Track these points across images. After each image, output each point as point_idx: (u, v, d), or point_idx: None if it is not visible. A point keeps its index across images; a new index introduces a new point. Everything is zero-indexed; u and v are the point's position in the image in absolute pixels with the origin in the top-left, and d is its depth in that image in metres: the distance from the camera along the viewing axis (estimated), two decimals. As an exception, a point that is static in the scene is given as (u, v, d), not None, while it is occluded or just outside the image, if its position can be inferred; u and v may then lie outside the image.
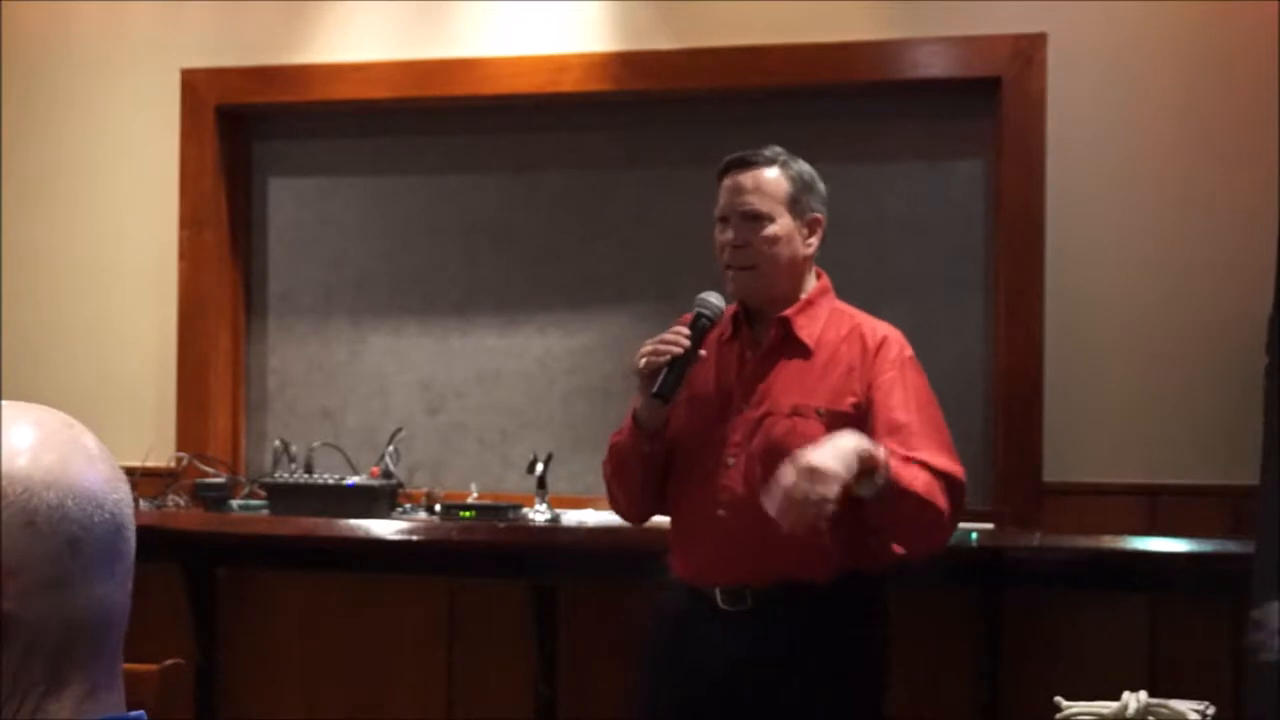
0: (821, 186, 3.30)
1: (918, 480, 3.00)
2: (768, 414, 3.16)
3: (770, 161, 3.24)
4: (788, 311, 3.20)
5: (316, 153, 4.93)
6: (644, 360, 3.10)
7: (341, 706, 4.40)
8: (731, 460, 3.15)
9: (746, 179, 3.22)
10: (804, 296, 3.25)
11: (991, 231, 4.33)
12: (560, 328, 4.67)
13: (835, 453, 2.89)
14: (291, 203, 4.95)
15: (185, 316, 4.80)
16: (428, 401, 4.77)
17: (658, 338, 3.12)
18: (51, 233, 4.91)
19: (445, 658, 4.34)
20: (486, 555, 4.16)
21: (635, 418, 3.19)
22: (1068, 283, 4.17)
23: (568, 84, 4.54)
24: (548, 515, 4.18)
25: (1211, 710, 3.10)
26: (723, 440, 3.17)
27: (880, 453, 2.94)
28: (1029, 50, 4.22)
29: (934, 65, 4.32)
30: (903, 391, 3.14)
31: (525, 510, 4.20)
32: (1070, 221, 4.17)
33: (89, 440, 1.33)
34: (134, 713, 1.32)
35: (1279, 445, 2.91)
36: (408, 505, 4.32)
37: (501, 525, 4.12)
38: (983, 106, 4.33)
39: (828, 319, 3.24)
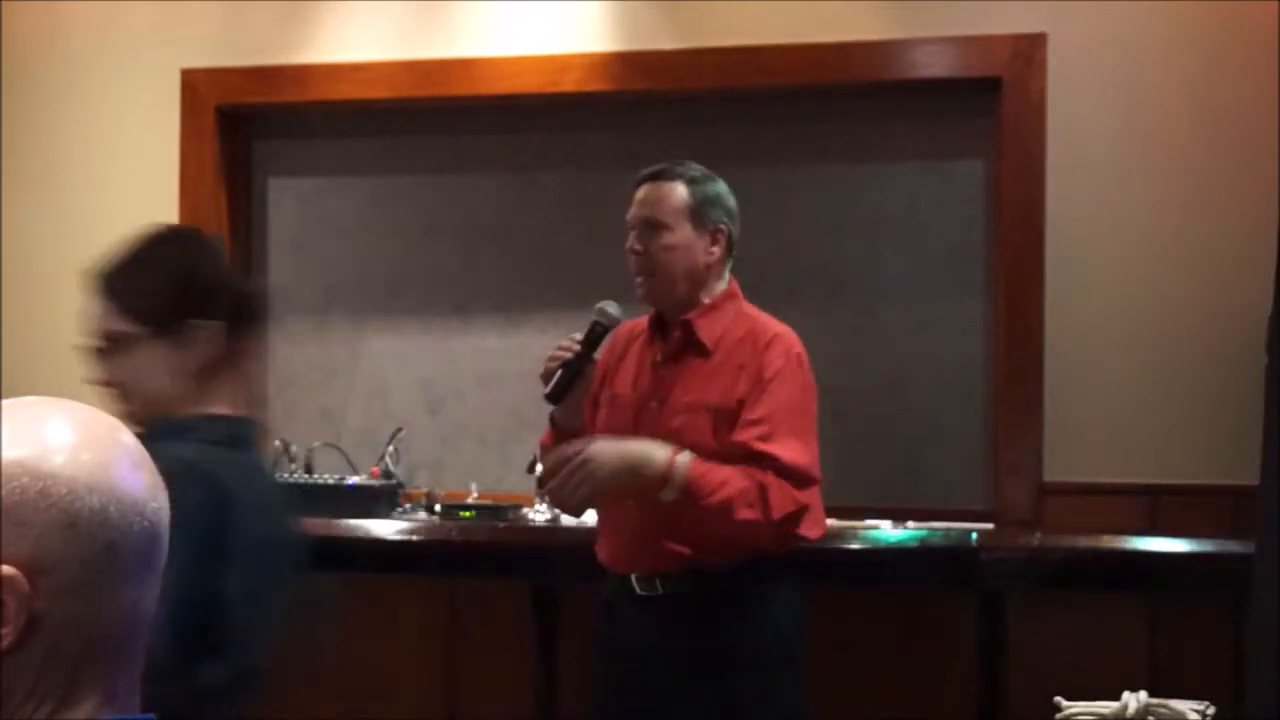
0: (731, 203, 3.43)
1: (724, 490, 3.12)
2: (667, 411, 3.30)
3: (677, 176, 3.39)
4: (690, 314, 3.33)
5: (317, 153, 4.94)
6: (547, 368, 3.32)
7: (341, 707, 4.41)
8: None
9: (651, 191, 3.38)
10: (708, 301, 3.36)
11: (991, 231, 4.34)
12: (561, 327, 4.62)
13: (618, 451, 3.15)
14: (291, 203, 4.96)
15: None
16: (428, 402, 4.78)
17: (555, 348, 3.34)
18: (51, 232, 4.91)
19: (445, 658, 4.34)
20: (486, 555, 4.16)
21: (551, 418, 3.42)
22: (1067, 283, 4.18)
23: (568, 84, 4.55)
24: (548, 515, 4.19)
25: (1211, 710, 3.12)
26: (632, 436, 3.27)
27: (678, 463, 3.10)
28: (1029, 50, 4.23)
29: (934, 65, 4.33)
30: (777, 386, 3.24)
31: (525, 510, 4.22)
32: (1070, 222, 4.18)
33: (130, 440, 1.34)
34: (145, 716, 1.33)
35: (1278, 445, 2.92)
36: (408, 505, 4.33)
37: (501, 525, 4.14)
38: (982, 106, 4.34)
39: (731, 322, 3.35)
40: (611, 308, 3.35)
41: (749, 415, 3.21)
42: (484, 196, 4.76)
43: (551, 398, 3.29)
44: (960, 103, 4.40)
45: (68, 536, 1.26)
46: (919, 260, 4.41)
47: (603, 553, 3.40)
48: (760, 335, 3.31)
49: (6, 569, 1.25)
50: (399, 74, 4.68)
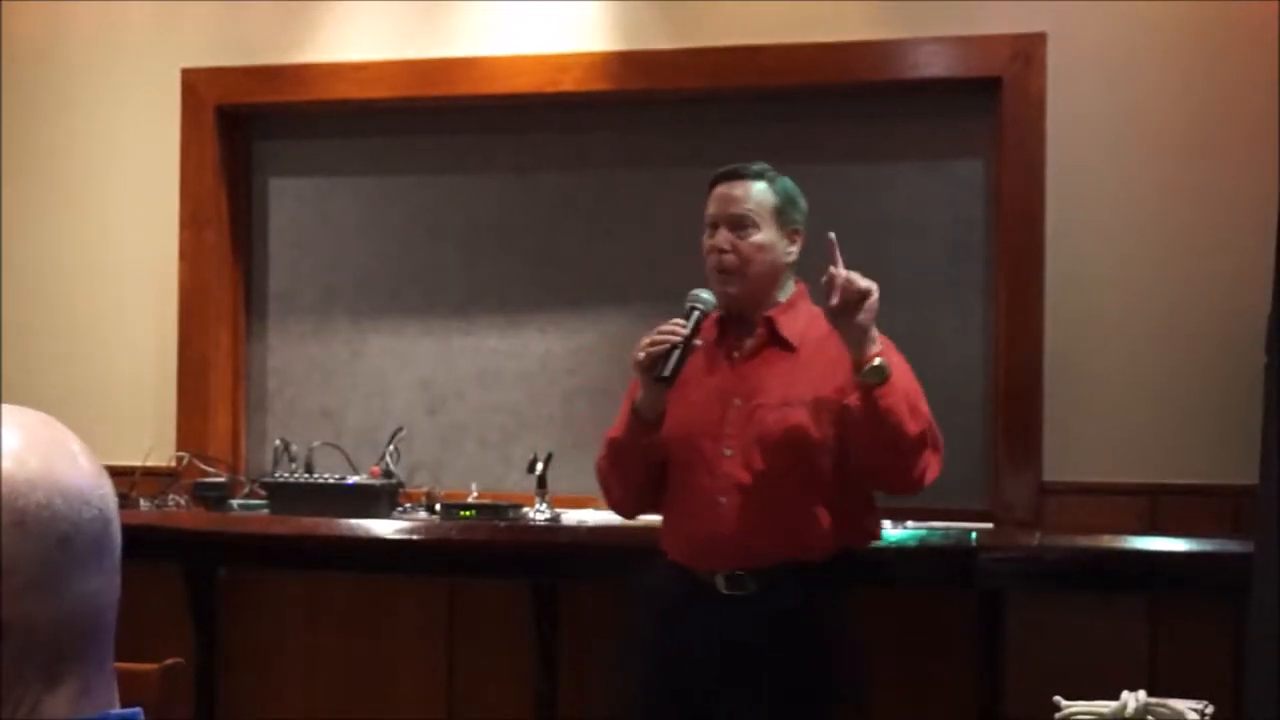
0: (803, 203, 3.51)
1: (919, 418, 3.19)
2: (759, 405, 3.33)
3: (759, 176, 3.46)
4: (772, 312, 3.41)
5: (317, 152, 4.94)
6: (644, 353, 3.28)
7: (341, 706, 4.41)
8: (729, 451, 3.32)
9: (737, 189, 3.44)
10: (784, 300, 3.44)
11: (991, 231, 4.34)
12: (561, 328, 4.67)
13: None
14: (292, 202, 4.96)
15: (185, 316, 4.81)
16: (428, 401, 4.78)
17: (654, 333, 3.31)
18: (51, 232, 4.92)
19: (445, 657, 4.35)
20: (486, 555, 4.17)
21: (635, 409, 3.35)
22: (1067, 283, 4.18)
23: (568, 83, 4.55)
24: (548, 515, 4.19)
25: (1210, 710, 3.11)
26: (718, 433, 3.33)
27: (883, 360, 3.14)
28: (1029, 50, 4.23)
29: (933, 65, 4.33)
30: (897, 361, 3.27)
31: (525, 510, 4.21)
32: (1070, 222, 4.18)
33: (72, 442, 1.33)
34: (129, 710, 1.32)
35: (1278, 445, 2.91)
36: (408, 505, 4.32)
37: (502, 525, 4.13)
38: (982, 106, 4.34)
39: (808, 319, 3.41)
40: (706, 293, 3.38)
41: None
42: (484, 196, 4.76)
43: (667, 380, 3.26)
44: (960, 102, 4.39)
45: (18, 535, 1.26)
46: (919, 260, 4.41)
47: (678, 551, 3.39)
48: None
49: (-42, 574, 1.25)
50: (399, 73, 4.68)
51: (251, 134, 4.95)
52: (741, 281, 3.39)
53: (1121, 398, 4.15)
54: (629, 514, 3.61)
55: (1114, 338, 4.16)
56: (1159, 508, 4.02)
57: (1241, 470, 3.50)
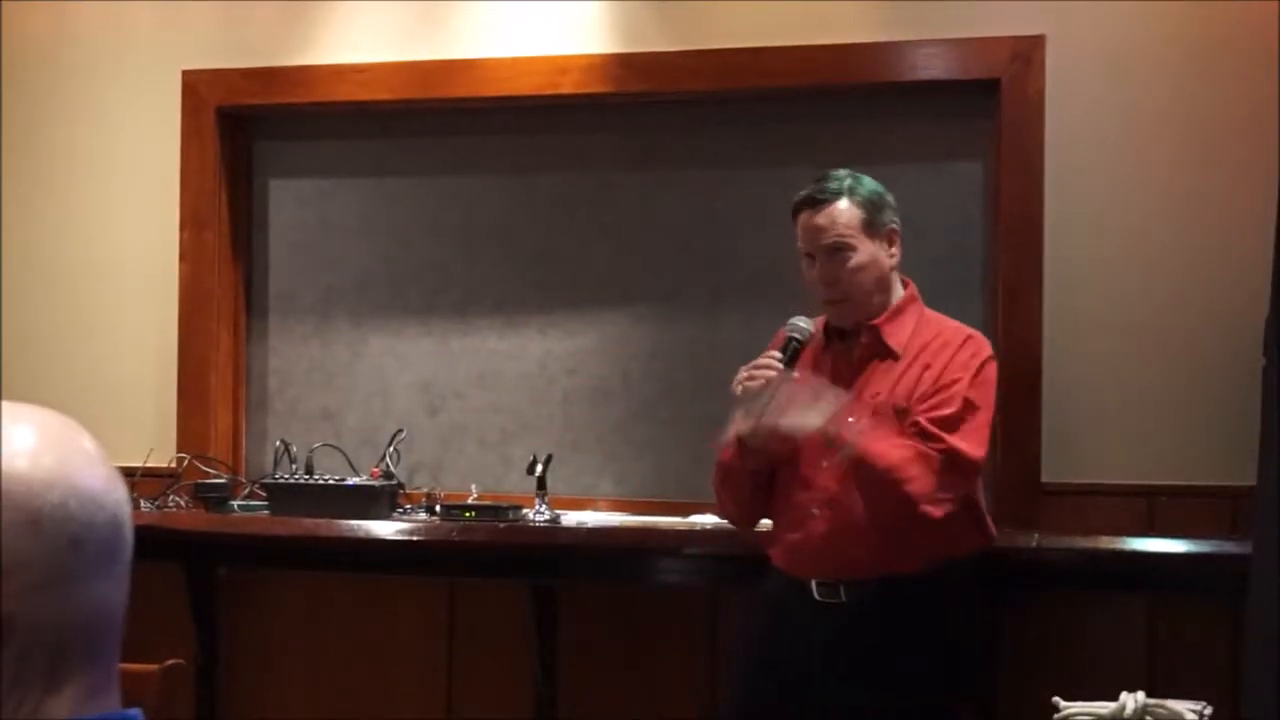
0: (890, 198, 3.49)
1: (889, 456, 3.21)
2: (855, 412, 3.32)
3: (838, 194, 3.41)
4: (877, 320, 3.41)
5: (317, 154, 4.95)
6: (741, 387, 3.30)
7: (342, 706, 4.41)
8: (825, 462, 3.34)
9: (821, 217, 3.40)
10: (893, 304, 3.45)
11: (991, 232, 4.34)
12: (560, 329, 4.67)
13: (814, 388, 3.28)
14: (292, 204, 4.96)
15: (186, 316, 4.82)
16: (428, 402, 4.78)
17: (752, 364, 3.33)
18: (52, 233, 4.92)
19: (445, 657, 4.35)
20: (486, 555, 4.17)
21: (740, 439, 3.35)
22: (1066, 284, 4.18)
23: (568, 85, 4.55)
24: (548, 516, 4.20)
25: (1209, 710, 3.11)
26: (816, 445, 3.32)
27: (856, 429, 3.21)
28: (1027, 52, 4.23)
29: (933, 67, 4.33)
30: (961, 380, 3.33)
31: (525, 511, 4.21)
32: (1069, 223, 4.18)
33: (87, 441, 1.33)
34: (130, 710, 1.32)
35: (1276, 446, 2.91)
36: (408, 506, 4.33)
37: (501, 526, 4.14)
38: (982, 108, 4.33)
39: (916, 326, 3.44)
40: (803, 322, 3.39)
41: (938, 405, 3.30)
42: (484, 197, 4.76)
43: (761, 416, 3.27)
44: (959, 104, 4.39)
45: (31, 534, 1.26)
46: (918, 261, 4.37)
47: (780, 558, 3.43)
48: (950, 334, 3.43)
49: (-30, 570, 1.25)
50: (399, 75, 4.68)
51: (252, 135, 4.95)
52: (851, 309, 3.41)
53: (1120, 399, 4.16)
54: (743, 526, 3.63)
55: (1112, 339, 4.16)
56: (1157, 509, 4.02)
57: (1239, 472, 3.50)
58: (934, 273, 4.41)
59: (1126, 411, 4.15)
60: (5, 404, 1.33)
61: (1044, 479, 4.17)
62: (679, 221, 4.58)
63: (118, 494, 1.33)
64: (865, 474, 3.21)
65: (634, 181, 4.65)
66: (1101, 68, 4.20)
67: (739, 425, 3.33)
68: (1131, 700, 3.14)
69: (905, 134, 4.44)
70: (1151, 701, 3.14)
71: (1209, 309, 4.04)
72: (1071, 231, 4.18)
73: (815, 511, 3.30)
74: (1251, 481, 3.26)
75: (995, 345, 4.23)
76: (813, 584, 3.32)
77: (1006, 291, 4.23)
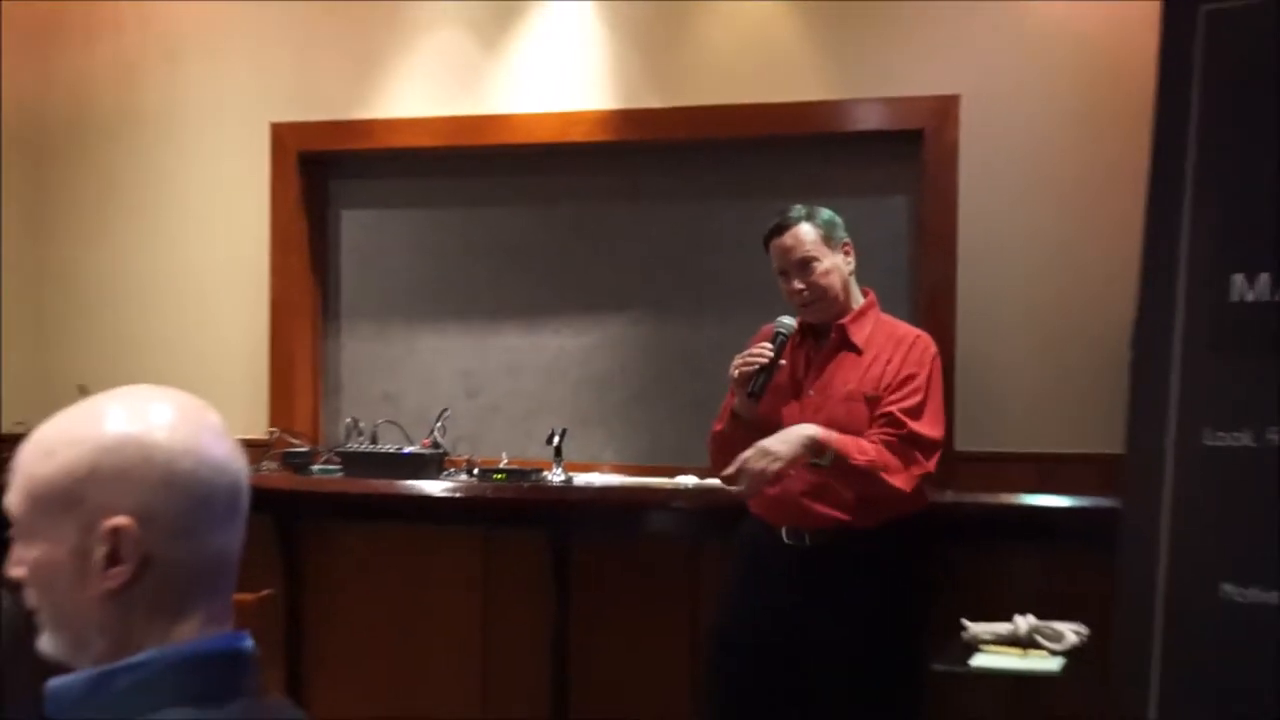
0: (839, 219, 3.50)
1: (865, 454, 3.18)
2: (828, 397, 3.34)
3: (799, 220, 3.42)
4: (844, 320, 3.41)
5: (378, 190, 4.95)
6: (737, 371, 3.28)
7: (396, 629, 4.42)
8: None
9: (789, 238, 3.40)
10: (856, 308, 3.44)
11: (915, 252, 4.35)
12: (571, 329, 4.68)
13: (783, 438, 3.16)
14: (359, 230, 4.97)
15: (276, 320, 4.83)
16: (467, 387, 4.79)
17: (746, 352, 3.31)
18: (169, 256, 4.94)
19: (480, 590, 4.35)
20: (514, 509, 4.19)
21: (733, 413, 3.36)
22: (975, 293, 4.19)
23: (577, 135, 4.56)
24: (562, 477, 4.22)
25: (1085, 630, 3.14)
26: (794, 417, 3.32)
27: (831, 437, 3.16)
28: (945, 108, 4.23)
29: (869, 120, 4.33)
30: (922, 376, 3.33)
31: (545, 473, 4.23)
32: (977, 245, 4.19)
33: (214, 418, 1.35)
34: (239, 632, 1.34)
35: (1139, 421, 2.94)
36: (451, 469, 4.34)
37: (526, 485, 4.16)
38: (908, 153, 4.33)
39: (874, 326, 3.43)
40: (789, 320, 3.38)
41: (896, 397, 3.29)
42: (510, 225, 4.77)
43: (754, 396, 3.27)
44: (890, 150, 4.38)
45: (167, 493, 1.28)
46: (860, 274, 4.37)
47: (756, 507, 3.40)
48: (902, 334, 3.42)
49: (121, 518, 1.27)
50: (442, 127, 4.68)
51: (327, 175, 4.96)
52: (824, 307, 3.40)
53: (1019, 384, 4.17)
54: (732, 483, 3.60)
55: (1013, 336, 4.17)
56: (1049, 472, 4.03)
57: (1113, 442, 3.49)
58: (872, 283, 4.41)
59: (1024, 393, 4.16)
60: (148, 387, 1.36)
61: (957, 447, 4.15)
62: (667, 244, 4.59)
63: (238, 463, 1.35)
64: (850, 472, 3.18)
65: (630, 212, 4.66)
66: (1005, 121, 4.20)
67: (732, 398, 3.35)
68: (1024, 622, 3.16)
69: (848, 174, 4.44)
70: (1040, 623, 3.16)
71: (1089, 313, 4.05)
72: (979, 251, 4.19)
73: (792, 473, 3.26)
74: (1122, 449, 3.27)
75: (919, 341, 4.28)
76: (783, 530, 3.31)
77: (927, 298, 4.24)
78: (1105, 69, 4.09)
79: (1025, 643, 3.11)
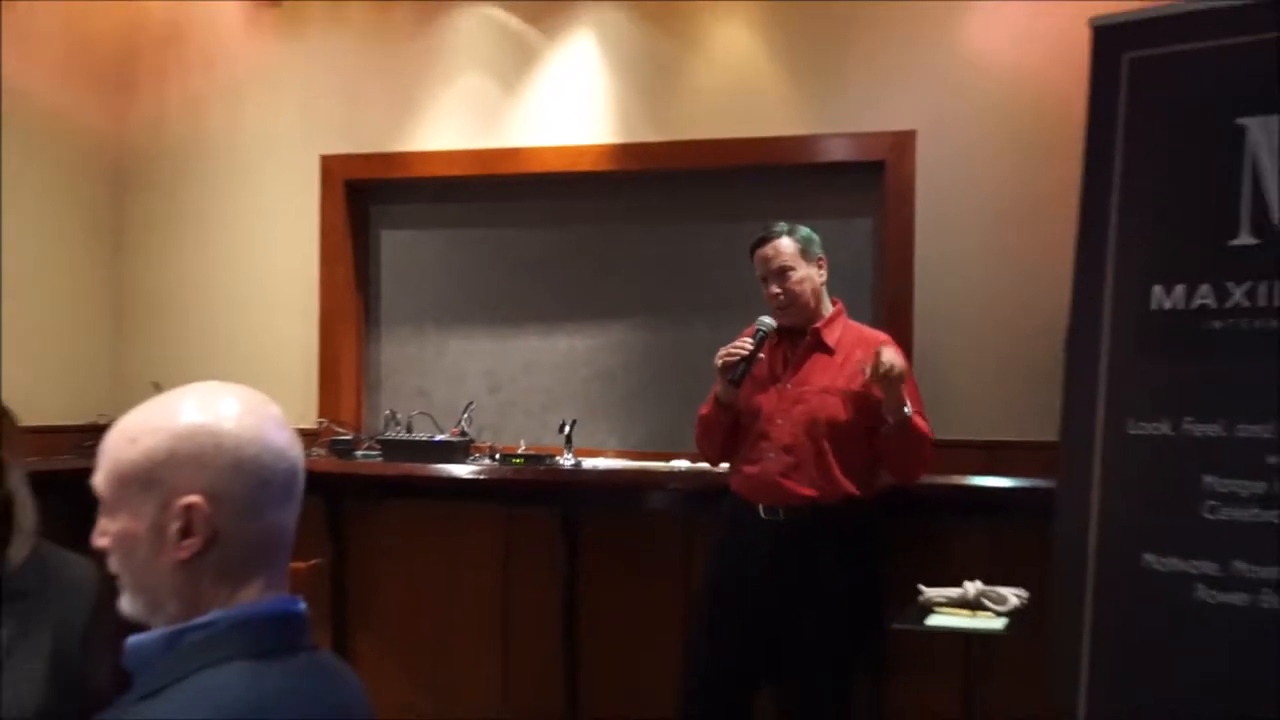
0: (816, 237, 3.51)
1: (924, 424, 3.27)
2: (804, 391, 3.35)
3: (781, 234, 3.45)
4: (818, 325, 3.42)
5: (413, 213, 4.95)
6: (721, 361, 3.31)
7: (429, 594, 4.43)
8: (779, 421, 3.34)
9: (770, 249, 3.43)
10: (828, 315, 3.45)
11: (878, 267, 4.35)
12: (580, 334, 4.68)
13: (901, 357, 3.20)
14: (395, 248, 4.97)
15: (324, 326, 4.83)
16: (490, 384, 4.79)
17: (729, 345, 3.34)
18: (231, 269, 4.94)
19: (502, 560, 4.35)
20: (531, 489, 4.19)
21: (717, 398, 3.37)
22: (930, 302, 4.19)
23: (585, 165, 4.56)
24: (572, 462, 4.22)
25: (1025, 594, 3.14)
26: (773, 409, 3.34)
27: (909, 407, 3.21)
28: (904, 142, 4.23)
29: (838, 152, 4.34)
30: (911, 387, 3.33)
31: (557, 458, 4.24)
32: (932, 261, 4.19)
33: (275, 410, 1.36)
34: (295, 597, 1.35)
35: (1072, 412, 2.94)
36: (477, 454, 4.34)
37: (541, 468, 4.16)
38: (871, 181, 4.33)
39: (844, 330, 3.45)
40: (769, 319, 3.39)
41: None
42: (526, 243, 4.77)
43: (735, 383, 3.29)
44: (856, 178, 4.38)
45: (234, 475, 1.29)
46: (830, 285, 4.39)
47: (737, 484, 3.40)
48: (871, 339, 3.41)
49: (193, 497, 1.27)
50: (469, 158, 4.68)
51: (369, 200, 4.96)
52: (796, 311, 3.41)
53: (968, 381, 4.16)
54: (714, 463, 3.58)
55: (963, 339, 4.17)
56: (994, 457, 4.03)
57: (1050, 430, 3.49)
58: (841, 293, 4.41)
59: (972, 389, 4.15)
60: (217, 383, 1.36)
61: (915, 436, 4.18)
62: (662, 259, 4.59)
63: (296, 450, 1.36)
64: (909, 431, 3.21)
65: (630, 231, 4.65)
66: (955, 154, 4.20)
67: (716, 388, 3.35)
68: (972, 587, 3.16)
69: (819, 199, 4.43)
70: (986, 588, 3.16)
71: (1029, 319, 4.05)
72: (934, 266, 4.19)
73: (771, 455, 3.27)
74: (1057, 437, 3.27)
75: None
76: (760, 507, 3.31)
77: (889, 307, 4.24)
78: (1043, 108, 4.09)
79: (973, 605, 3.11)
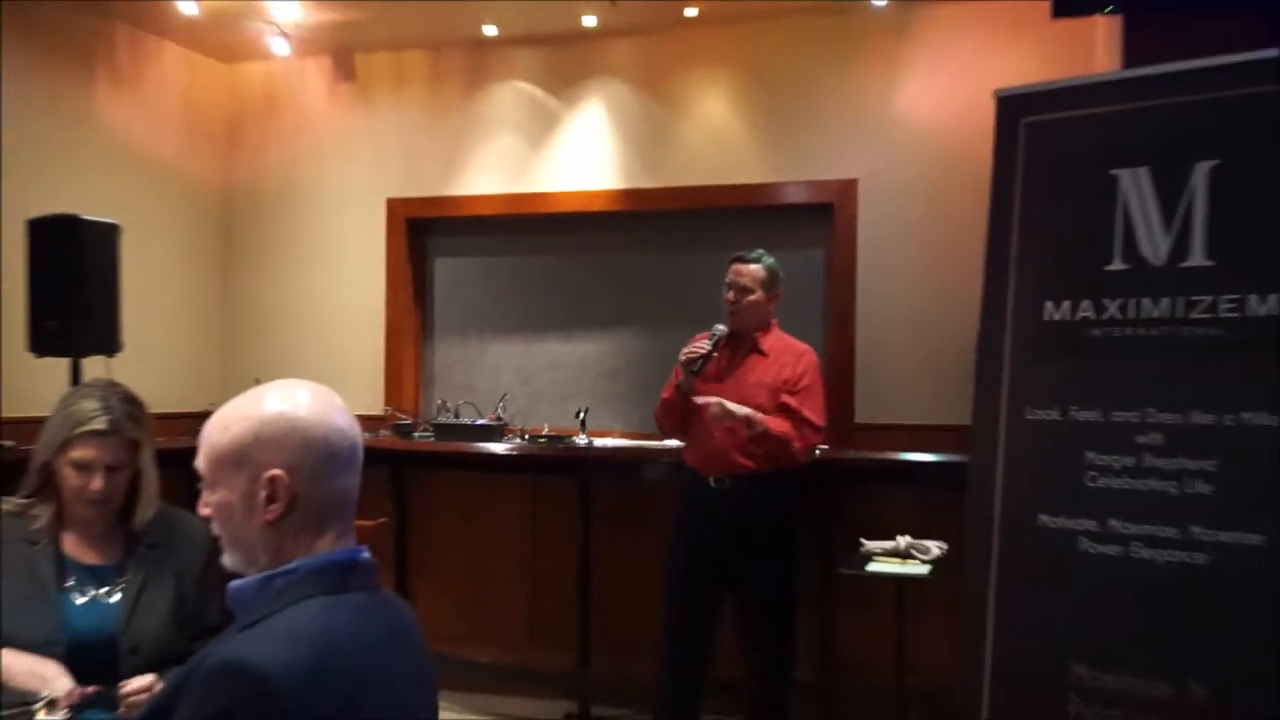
0: (781, 273, 3.42)
1: (778, 426, 3.18)
2: (743, 385, 3.29)
3: (758, 260, 3.37)
4: (758, 335, 3.36)
5: (460, 244, 4.94)
6: (684, 357, 3.28)
7: (471, 546, 4.41)
8: (726, 406, 3.26)
9: (743, 267, 3.36)
10: (766, 328, 3.39)
11: (828, 286, 4.35)
12: (592, 339, 4.69)
13: (738, 407, 3.17)
14: (446, 272, 4.97)
15: (389, 336, 4.84)
16: (521, 379, 4.79)
17: (690, 346, 3.30)
18: (316, 290, 4.94)
19: (530, 519, 4.34)
20: (553, 462, 4.18)
21: (678, 386, 3.32)
22: (869, 314, 4.20)
23: (597, 206, 4.57)
24: (586, 441, 4.21)
25: (945, 546, 3.13)
26: (718, 394, 3.26)
27: (758, 417, 3.16)
28: (848, 188, 4.24)
29: (796, 195, 4.34)
30: (808, 379, 3.30)
31: (574, 439, 4.23)
32: (871, 282, 4.20)
33: (339, 400, 1.36)
34: (361, 547, 1.35)
35: (981, 401, 2.94)
36: (510, 435, 4.34)
37: (561, 446, 4.15)
38: (823, 219, 4.34)
39: (776, 339, 3.39)
40: (721, 326, 3.34)
41: (794, 392, 3.26)
42: (549, 267, 4.77)
43: (694, 375, 3.25)
44: (811, 216, 4.38)
45: (307, 452, 1.29)
46: (791, 301, 4.35)
47: (691, 460, 3.36)
48: (795, 347, 3.36)
49: (276, 470, 1.27)
50: (503, 200, 4.69)
51: (425, 234, 4.95)
52: (740, 320, 3.33)
53: (900, 375, 4.17)
54: (671, 436, 3.54)
55: (895, 344, 4.17)
56: (919, 437, 4.03)
57: (965, 416, 3.47)
58: (798, 307, 4.41)
59: (903, 383, 4.16)
60: (294, 380, 1.36)
61: (856, 420, 4.19)
62: (657, 281, 4.59)
63: (355, 430, 1.35)
64: (769, 438, 3.18)
65: (632, 259, 4.65)
66: (889, 197, 4.21)
67: (676, 378, 3.33)
68: (903, 540, 3.15)
69: (781, 233, 4.43)
70: (915, 541, 3.15)
71: (948, 328, 4.05)
72: (872, 286, 4.20)
73: (716, 435, 3.24)
74: (970, 421, 3.27)
75: (829, 350, 4.27)
76: (710, 477, 3.28)
77: (836, 317, 4.25)
78: (959, 160, 4.09)
79: (904, 554, 3.11)
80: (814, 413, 3.26)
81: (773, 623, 3.27)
